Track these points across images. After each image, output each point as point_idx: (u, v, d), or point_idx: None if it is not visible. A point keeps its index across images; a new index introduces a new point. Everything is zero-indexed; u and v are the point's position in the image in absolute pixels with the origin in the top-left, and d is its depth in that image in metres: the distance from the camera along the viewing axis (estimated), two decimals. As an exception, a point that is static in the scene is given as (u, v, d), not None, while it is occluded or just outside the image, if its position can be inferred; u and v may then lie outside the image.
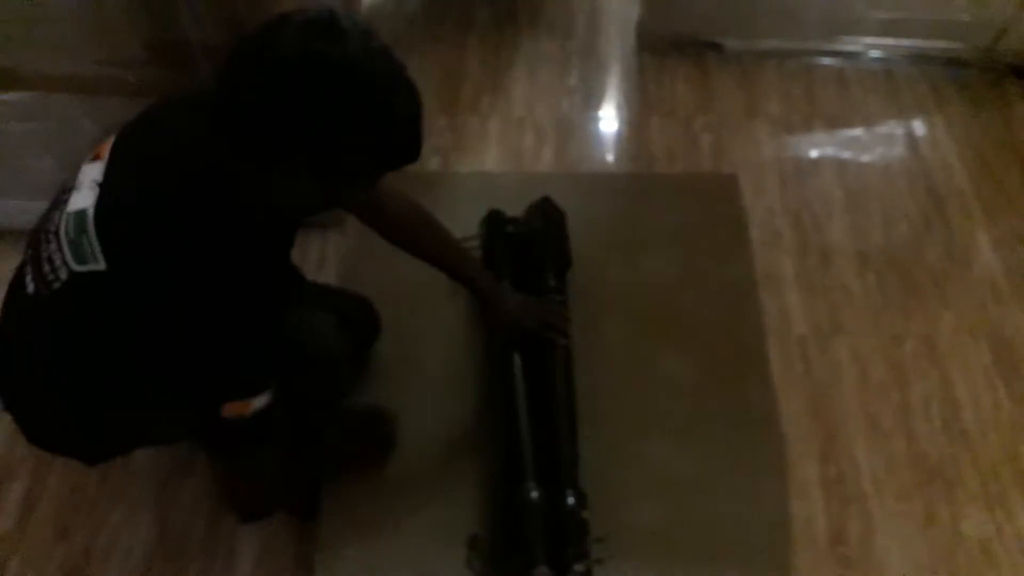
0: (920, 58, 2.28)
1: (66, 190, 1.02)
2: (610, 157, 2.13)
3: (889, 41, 2.26)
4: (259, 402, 0.99)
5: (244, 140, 0.90)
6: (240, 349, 0.97)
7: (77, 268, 0.95)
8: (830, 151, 2.13)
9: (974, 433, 1.59)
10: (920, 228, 1.93)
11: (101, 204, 0.96)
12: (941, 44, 2.24)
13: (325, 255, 1.84)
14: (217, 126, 0.91)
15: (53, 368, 1.04)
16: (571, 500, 1.36)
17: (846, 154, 2.12)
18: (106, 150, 1.02)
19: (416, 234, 1.40)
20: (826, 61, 2.30)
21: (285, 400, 1.04)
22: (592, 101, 2.25)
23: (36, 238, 1.03)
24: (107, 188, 0.97)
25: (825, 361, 1.71)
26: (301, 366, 1.10)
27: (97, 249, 0.94)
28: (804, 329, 1.76)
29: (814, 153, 2.13)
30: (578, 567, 1.30)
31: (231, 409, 0.98)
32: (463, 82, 2.22)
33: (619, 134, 2.17)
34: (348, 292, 1.58)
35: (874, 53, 2.29)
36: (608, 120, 2.21)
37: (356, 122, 0.88)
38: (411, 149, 0.97)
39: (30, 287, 1.01)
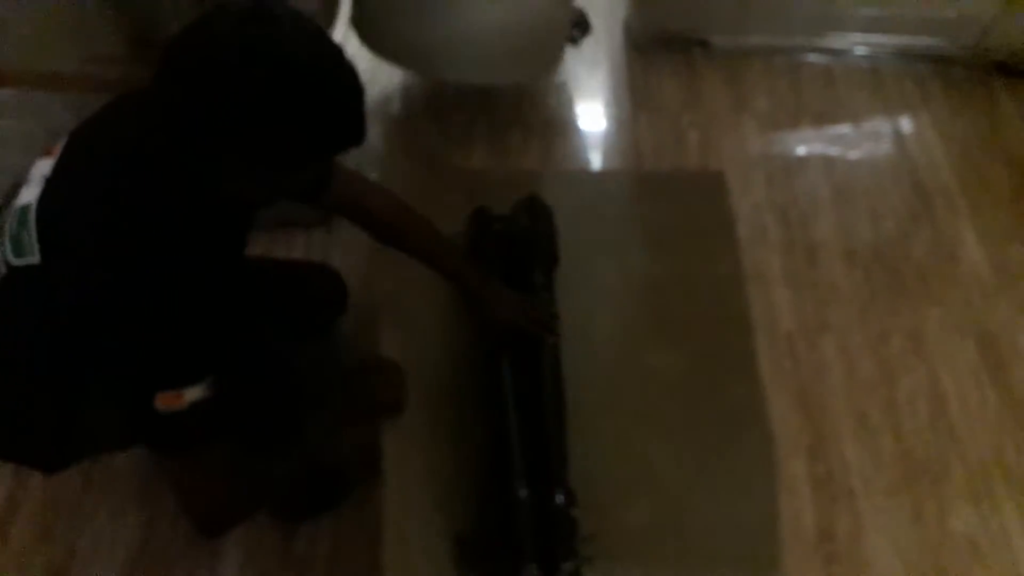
0: (906, 55, 2.28)
1: (16, 186, 1.02)
2: (598, 154, 2.12)
3: (876, 38, 2.26)
4: (192, 394, 0.96)
5: (189, 131, 0.91)
6: (170, 338, 0.95)
7: (15, 262, 0.96)
8: (817, 148, 2.13)
9: (961, 429, 1.60)
10: (907, 224, 1.94)
11: (44, 198, 0.97)
12: (927, 41, 2.25)
13: (310, 255, 1.83)
14: (161, 120, 0.92)
15: None
16: (560, 498, 1.35)
17: (833, 151, 2.12)
18: (59, 147, 1.02)
19: (403, 230, 1.39)
20: (813, 58, 2.31)
21: (236, 400, 1.03)
22: (580, 98, 2.25)
23: None
24: (52, 183, 0.98)
25: (812, 358, 1.71)
26: (254, 376, 1.12)
27: (35, 242, 0.94)
28: (791, 326, 1.76)
29: (801, 150, 2.13)
30: (567, 566, 1.29)
31: (163, 401, 0.95)
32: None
33: (607, 131, 2.17)
34: (311, 264, 1.57)
35: (861, 50, 2.29)
36: (596, 117, 2.20)
37: (298, 103, 0.89)
38: (354, 129, 0.97)
39: None
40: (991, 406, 1.63)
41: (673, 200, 1.95)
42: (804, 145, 2.14)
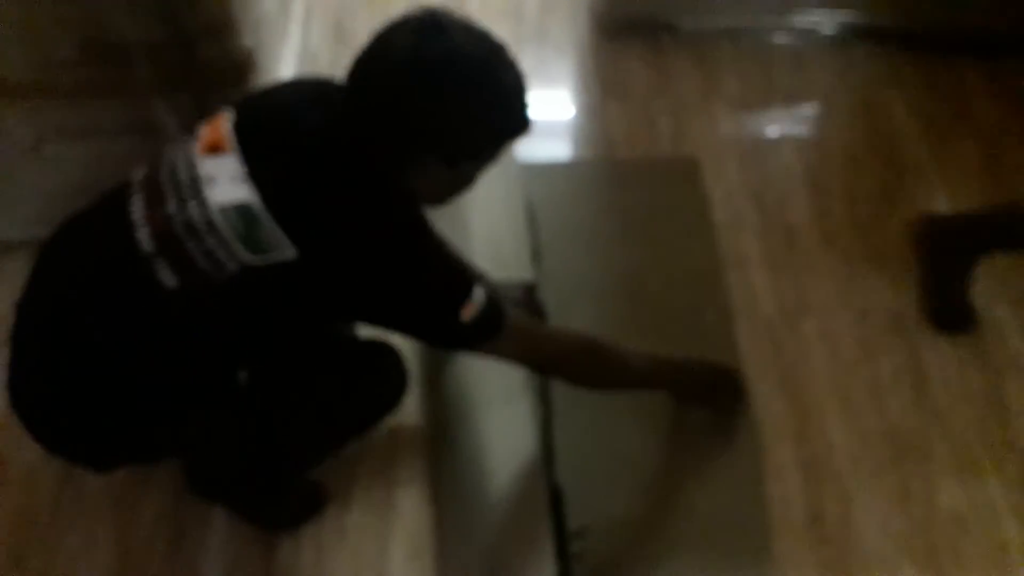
0: (874, 33, 2.27)
1: (184, 182, 1.04)
2: (569, 144, 2.10)
3: (843, 16, 2.25)
4: (479, 293, 1.10)
5: (382, 142, 1.05)
6: (456, 264, 1.21)
7: (254, 260, 1.00)
8: (789, 129, 2.12)
9: (944, 405, 1.60)
10: (881, 203, 1.93)
11: (272, 199, 1.01)
12: (895, 19, 2.24)
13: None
14: (354, 130, 1.05)
15: (149, 356, 1.07)
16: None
17: (804, 131, 2.12)
18: (225, 143, 1.05)
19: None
20: (781, 39, 2.29)
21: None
22: (548, 87, 2.22)
23: (169, 235, 1.03)
24: (266, 183, 1.02)
25: (794, 340, 1.70)
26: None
27: (283, 240, 1.00)
28: (772, 309, 1.75)
29: (773, 132, 2.12)
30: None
31: (466, 312, 1.09)
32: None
33: (577, 120, 2.14)
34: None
35: (828, 29, 2.28)
36: (565, 106, 2.17)
37: (476, 103, 1.04)
38: (524, 120, 1.11)
39: (170, 282, 1.02)
40: (972, 381, 1.63)
41: (648, 188, 1.93)
42: (776, 126, 2.13)
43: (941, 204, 1.92)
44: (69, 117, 1.50)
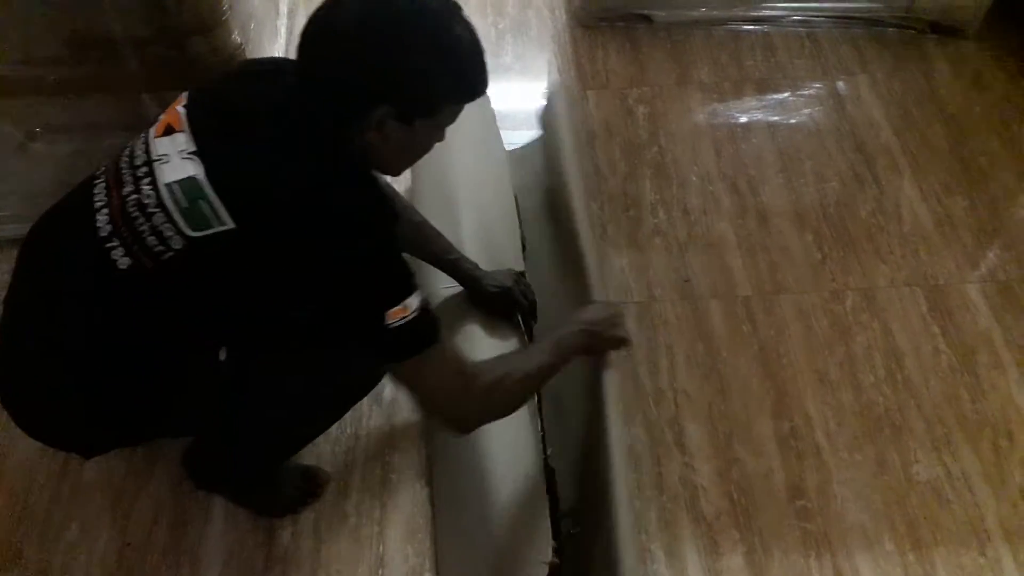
0: (841, 19, 2.33)
1: (139, 164, 1.05)
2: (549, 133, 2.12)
3: (811, 4, 2.31)
4: (414, 301, 1.06)
5: (333, 96, 1.02)
6: (395, 257, 1.07)
7: (195, 234, 0.99)
8: (760, 115, 2.17)
9: (917, 380, 1.65)
10: (852, 185, 1.99)
11: (215, 172, 1.00)
12: (861, 4, 2.30)
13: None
14: (305, 91, 1.03)
15: (113, 338, 1.07)
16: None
17: (776, 117, 2.16)
18: (179, 123, 1.05)
19: (401, 215, 1.40)
20: (751, 27, 2.34)
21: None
22: (527, 78, 2.25)
23: (124, 216, 1.03)
24: (212, 156, 1.02)
25: (770, 320, 1.75)
26: None
27: (222, 212, 0.99)
28: (748, 291, 1.79)
29: (745, 118, 2.17)
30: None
31: (392, 315, 1.04)
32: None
33: (556, 110, 2.16)
34: None
35: (797, 17, 2.33)
36: (544, 96, 2.20)
37: (429, 51, 1.00)
38: (482, 76, 1.07)
39: (123, 262, 1.02)
40: (943, 355, 1.69)
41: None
42: (748, 113, 2.18)
43: (909, 186, 1.98)
44: (57, 114, 1.51)
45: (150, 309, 1.06)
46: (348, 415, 1.55)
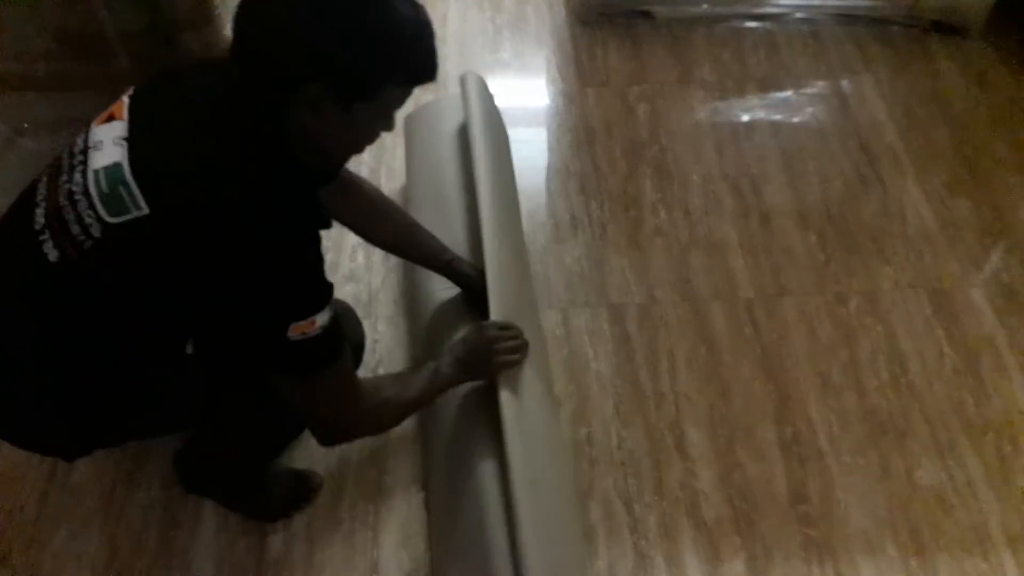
0: (845, 18, 2.31)
1: (77, 153, 1.01)
2: (549, 131, 2.10)
3: (816, 2, 2.28)
4: (322, 318, 0.99)
5: (265, 77, 0.96)
6: (308, 267, 1.00)
7: (113, 220, 0.95)
8: (763, 114, 2.15)
9: (920, 384, 1.63)
10: (855, 186, 1.97)
11: (136, 157, 0.97)
12: (865, 3, 2.28)
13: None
14: (238, 70, 0.97)
15: (62, 336, 1.03)
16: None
17: (779, 116, 2.14)
18: (121, 112, 1.02)
19: (394, 218, 1.41)
20: (754, 25, 2.32)
21: None
22: (526, 75, 2.22)
23: (55, 207, 1.00)
24: (138, 141, 0.98)
25: (773, 323, 1.72)
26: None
27: (139, 197, 0.95)
28: (751, 293, 1.77)
29: (747, 117, 2.14)
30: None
31: (297, 329, 0.98)
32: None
33: (555, 107, 2.15)
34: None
35: (800, 14, 2.31)
36: (544, 94, 2.18)
37: (366, 25, 0.93)
38: (425, 59, 1.00)
39: (52, 255, 0.99)
40: (947, 359, 1.67)
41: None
42: (750, 112, 2.15)
43: (913, 187, 1.95)
44: (46, 110, 1.49)
45: (85, 303, 1.01)
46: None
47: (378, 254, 1.78)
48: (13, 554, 1.41)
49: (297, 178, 1.01)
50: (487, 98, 1.68)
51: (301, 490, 1.47)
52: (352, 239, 1.68)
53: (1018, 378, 1.63)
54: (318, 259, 1.01)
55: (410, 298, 1.68)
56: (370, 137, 1.07)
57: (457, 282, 1.48)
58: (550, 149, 2.07)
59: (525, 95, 2.18)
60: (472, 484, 1.30)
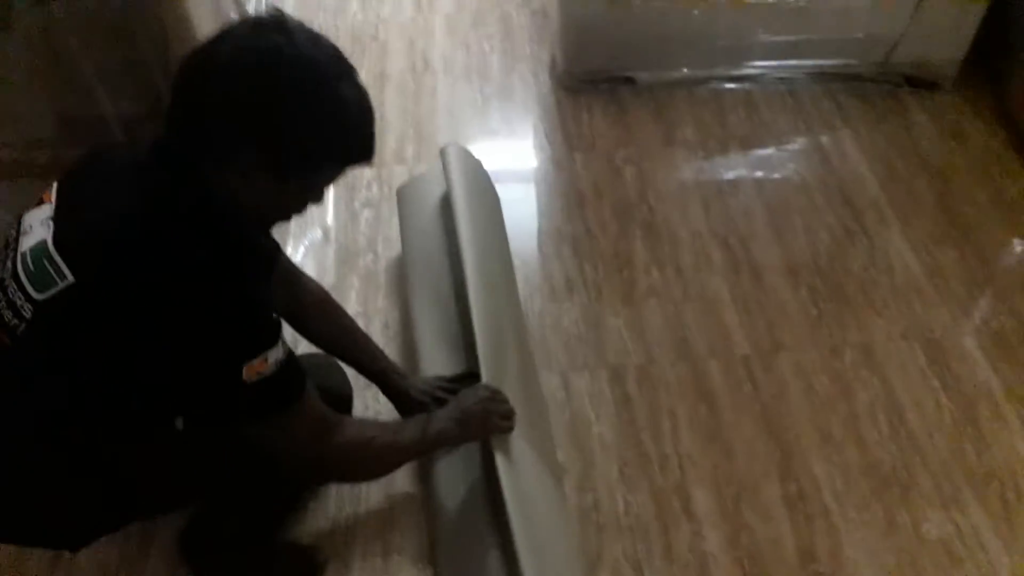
0: (821, 76, 2.38)
1: (11, 241, 1.02)
2: (538, 196, 2.13)
3: (790, 62, 2.35)
4: (275, 354, 0.98)
5: (199, 142, 0.95)
6: (248, 303, 0.99)
7: (41, 296, 0.95)
8: (746, 171, 2.19)
9: (921, 435, 1.64)
10: (842, 239, 2.00)
11: (59, 230, 0.97)
12: (839, 61, 2.34)
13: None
14: (175, 137, 0.96)
15: (23, 426, 1.02)
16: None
17: (762, 173, 2.19)
18: (50, 196, 1.03)
19: (332, 319, 1.42)
20: (732, 86, 2.38)
21: None
22: (516, 142, 2.26)
23: None
24: (62, 216, 0.98)
25: (771, 379, 1.73)
26: None
27: (63, 267, 0.94)
28: (747, 349, 1.79)
29: (732, 175, 2.19)
30: None
31: (251, 370, 0.96)
32: (385, 134, 2.19)
33: (545, 172, 2.18)
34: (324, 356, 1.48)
35: (777, 74, 2.37)
36: (533, 160, 2.21)
37: (306, 106, 0.93)
38: (365, 142, 1.01)
39: None
40: (945, 409, 1.68)
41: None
42: (734, 170, 2.20)
43: (898, 239, 1.99)
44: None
45: (42, 389, 1.00)
46: (346, 491, 1.53)
47: (376, 328, 1.79)
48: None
49: (225, 219, 1.00)
50: (471, 167, 1.72)
51: (305, 568, 1.45)
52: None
53: (1016, 426, 1.65)
54: (259, 295, 1.00)
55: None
56: (299, 207, 1.07)
57: (386, 393, 1.46)
58: (542, 213, 2.09)
59: (515, 162, 2.22)
60: (476, 565, 1.29)
